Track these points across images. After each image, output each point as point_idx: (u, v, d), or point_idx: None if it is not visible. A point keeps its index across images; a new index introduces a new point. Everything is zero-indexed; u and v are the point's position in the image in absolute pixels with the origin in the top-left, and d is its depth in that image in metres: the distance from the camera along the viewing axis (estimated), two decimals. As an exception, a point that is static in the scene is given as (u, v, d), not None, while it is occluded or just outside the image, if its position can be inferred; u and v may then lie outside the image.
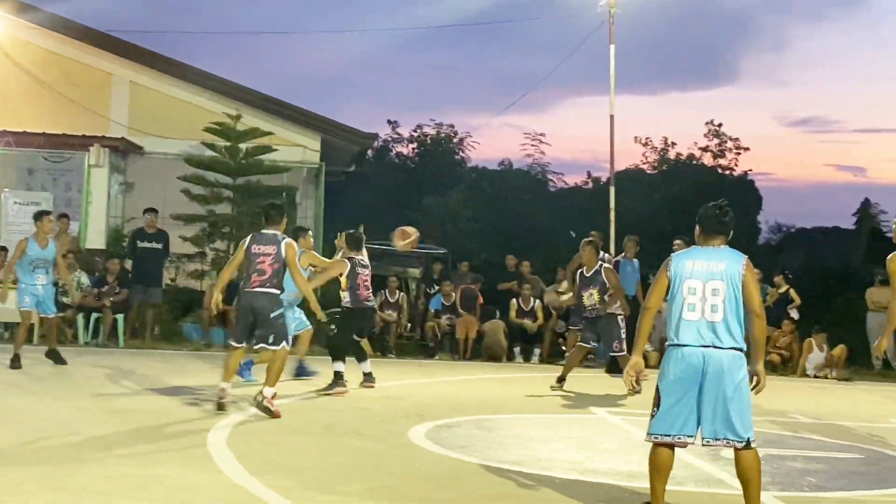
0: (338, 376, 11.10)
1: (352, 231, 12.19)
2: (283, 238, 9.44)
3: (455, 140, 36.23)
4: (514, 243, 24.13)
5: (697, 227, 5.97)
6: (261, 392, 9.11)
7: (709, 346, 5.68)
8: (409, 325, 17.45)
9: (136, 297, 16.05)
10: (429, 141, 36.24)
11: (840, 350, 16.33)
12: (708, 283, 5.74)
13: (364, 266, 11.67)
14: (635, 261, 15.64)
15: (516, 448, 8.07)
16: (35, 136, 17.42)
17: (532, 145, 33.54)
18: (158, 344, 15.70)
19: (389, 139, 37.03)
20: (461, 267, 18.73)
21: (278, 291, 9.35)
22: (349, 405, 10.28)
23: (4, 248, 16.27)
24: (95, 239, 17.42)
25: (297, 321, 11.70)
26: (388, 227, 14.62)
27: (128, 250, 16.87)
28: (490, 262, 21.92)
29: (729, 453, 5.90)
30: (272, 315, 9.24)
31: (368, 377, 11.65)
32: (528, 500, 6.34)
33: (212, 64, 19.12)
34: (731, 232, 5.96)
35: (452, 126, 36.54)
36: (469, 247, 23.91)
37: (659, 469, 5.83)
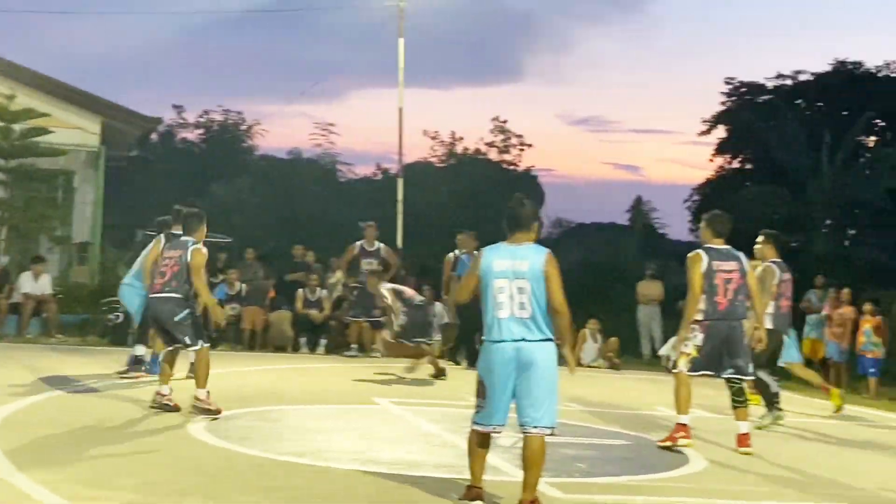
0: (137, 360, 11.15)
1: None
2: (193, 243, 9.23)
3: (243, 127, 35.71)
4: (303, 233, 23.99)
5: (504, 223, 6.17)
6: (194, 396, 8.89)
7: (520, 341, 5.91)
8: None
9: None
10: (216, 127, 35.57)
11: (613, 341, 17.08)
12: (514, 282, 5.96)
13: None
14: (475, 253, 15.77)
15: (298, 439, 8.03)
16: None
17: (322, 135, 33.51)
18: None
19: (174, 124, 36.11)
20: (247, 255, 18.47)
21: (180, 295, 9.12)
22: (127, 396, 9.96)
23: None
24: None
25: None
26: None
27: None
28: (278, 251, 21.73)
29: (504, 441, 6.07)
30: (176, 319, 9.05)
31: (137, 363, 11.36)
32: (304, 491, 6.32)
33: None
34: (534, 225, 6.17)
35: (241, 113, 36.04)
36: (256, 236, 23.60)
37: (478, 452, 6.11)
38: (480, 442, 6.12)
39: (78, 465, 6.63)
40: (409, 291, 12.99)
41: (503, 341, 5.94)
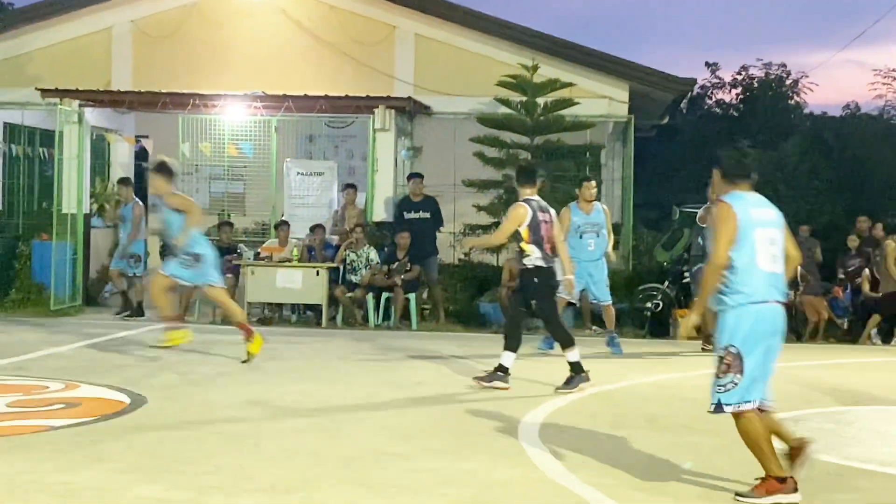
0: (500, 369, 10.25)
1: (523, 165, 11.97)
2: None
3: (788, 83, 35.01)
4: (868, 203, 23.03)
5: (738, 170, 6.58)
6: None
7: (777, 302, 6.28)
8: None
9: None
10: (755, 84, 35.20)
11: None
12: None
13: (545, 210, 10.57)
14: None
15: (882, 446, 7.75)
16: (316, 100, 18.24)
17: (884, 83, 31.90)
18: (453, 326, 16.17)
19: (708, 85, 36.31)
20: (801, 231, 18.09)
21: None
22: (674, 395, 10.21)
23: (286, 223, 17.27)
24: (382, 210, 18.04)
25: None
26: (702, 187, 14.42)
27: (394, 223, 17.35)
28: (833, 225, 21.08)
29: None
30: None
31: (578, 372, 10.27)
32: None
33: (499, 9, 19.20)
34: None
35: (784, 66, 35.33)
36: (808, 209, 23.06)
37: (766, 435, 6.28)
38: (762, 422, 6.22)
39: (632, 468, 6.90)
40: None
41: (766, 302, 6.21)
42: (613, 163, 20.48)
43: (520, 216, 10.24)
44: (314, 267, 16.13)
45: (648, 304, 15.98)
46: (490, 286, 17.14)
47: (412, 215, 16.95)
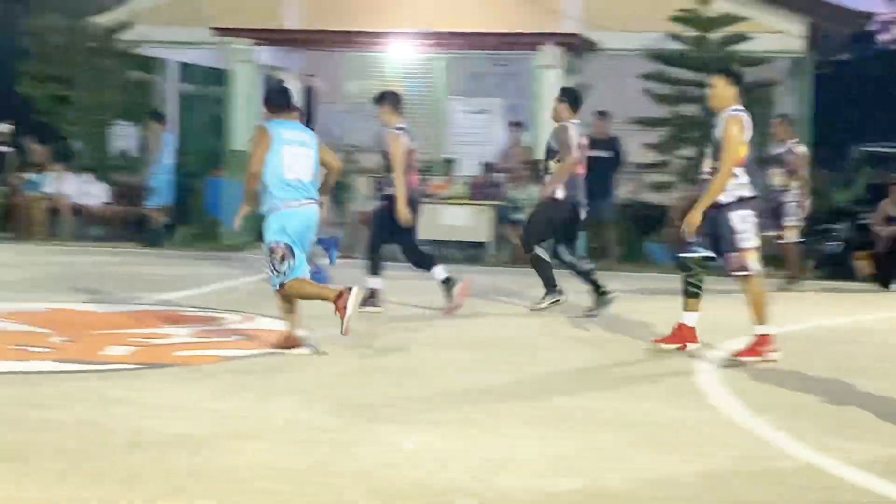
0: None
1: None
2: None
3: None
4: None
5: None
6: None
7: None
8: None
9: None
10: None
11: None
12: None
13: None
14: None
15: None
16: (482, 37, 18.08)
17: None
18: (621, 265, 15.93)
19: (886, 20, 34.96)
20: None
21: None
22: (856, 339, 9.84)
23: (452, 161, 17.25)
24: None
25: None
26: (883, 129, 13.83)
27: None
28: None
29: None
30: None
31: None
32: None
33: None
34: None
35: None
36: None
37: None
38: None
39: (822, 415, 6.65)
40: None
41: None
42: (788, 101, 19.81)
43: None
44: (480, 204, 16.06)
45: (829, 244, 15.46)
46: (658, 226, 16.83)
47: (594, 153, 16.61)
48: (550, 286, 10.88)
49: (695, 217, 8.32)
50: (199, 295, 11.50)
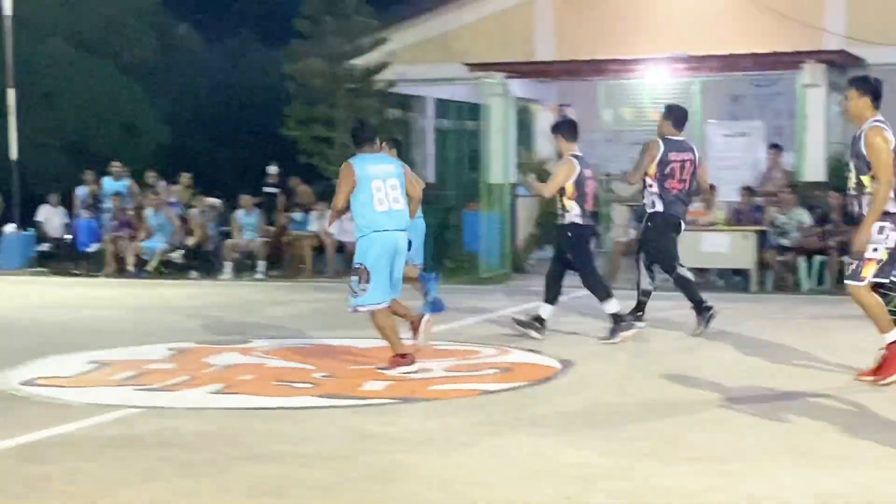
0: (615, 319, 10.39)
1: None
2: None
3: None
4: None
5: None
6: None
7: None
8: None
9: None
10: None
11: None
12: None
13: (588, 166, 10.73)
14: None
15: None
16: (741, 58, 17.62)
17: None
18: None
19: None
20: None
21: None
22: None
23: (712, 186, 16.76)
24: (813, 170, 17.18)
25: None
26: None
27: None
28: None
29: None
30: None
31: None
32: None
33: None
34: None
35: None
36: None
37: None
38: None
39: None
40: None
41: None
42: None
43: None
44: (742, 230, 15.60)
45: None
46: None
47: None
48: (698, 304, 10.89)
49: (863, 236, 8.03)
50: (455, 328, 11.57)
